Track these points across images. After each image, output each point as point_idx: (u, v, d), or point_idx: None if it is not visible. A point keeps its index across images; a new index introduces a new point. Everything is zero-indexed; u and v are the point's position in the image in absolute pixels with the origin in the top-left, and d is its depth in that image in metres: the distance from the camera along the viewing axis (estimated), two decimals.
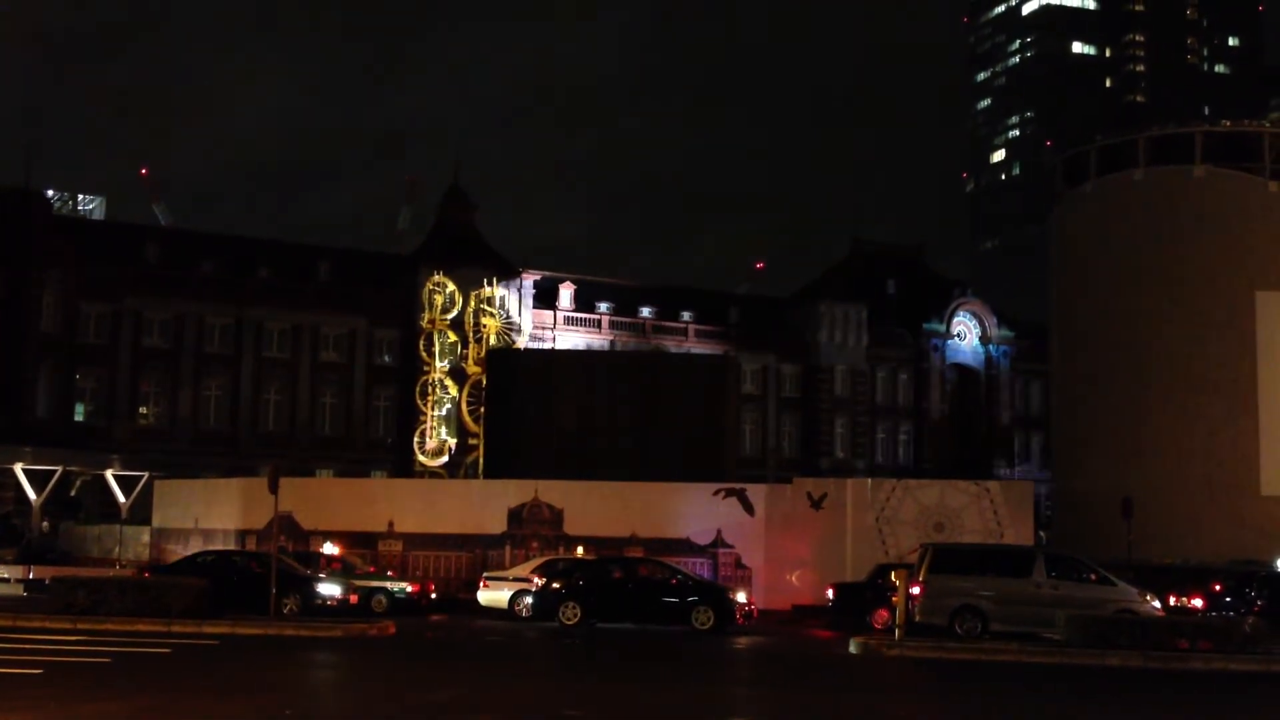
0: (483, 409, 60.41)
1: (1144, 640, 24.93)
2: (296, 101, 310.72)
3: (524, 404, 45.66)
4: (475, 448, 70.81)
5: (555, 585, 31.31)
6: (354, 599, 30.83)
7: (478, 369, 71.94)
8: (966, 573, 28.56)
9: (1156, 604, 28.63)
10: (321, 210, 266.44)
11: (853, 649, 25.93)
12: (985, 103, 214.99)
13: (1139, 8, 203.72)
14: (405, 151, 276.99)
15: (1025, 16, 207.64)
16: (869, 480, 41.06)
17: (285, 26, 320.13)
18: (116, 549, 46.65)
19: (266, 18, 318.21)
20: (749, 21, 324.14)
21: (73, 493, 60.38)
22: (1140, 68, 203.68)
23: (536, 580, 32.37)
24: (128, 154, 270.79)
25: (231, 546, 37.10)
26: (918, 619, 27.91)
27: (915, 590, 27.97)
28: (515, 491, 38.12)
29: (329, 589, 30.48)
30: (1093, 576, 28.58)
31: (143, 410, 70.19)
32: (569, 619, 30.34)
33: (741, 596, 31.57)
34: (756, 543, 37.16)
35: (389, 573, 35.47)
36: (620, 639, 28.19)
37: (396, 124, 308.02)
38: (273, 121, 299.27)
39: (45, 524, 52.21)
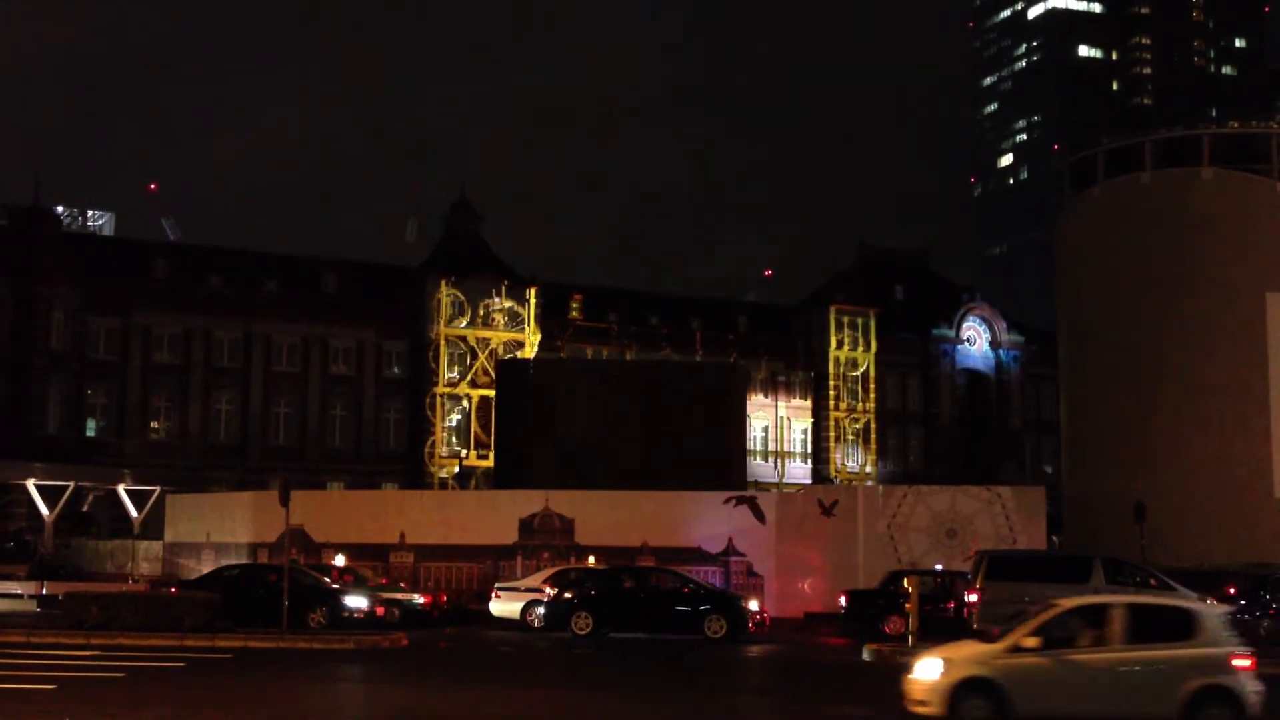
0: (493, 419, 60.46)
1: None
2: (317, 121, 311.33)
3: (533, 414, 45.64)
4: (485, 458, 70.99)
5: (567, 595, 31.28)
6: (380, 611, 30.75)
7: (487, 379, 72.16)
8: (1024, 579, 28.30)
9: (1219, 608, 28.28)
10: (341, 228, 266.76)
11: (866, 657, 25.89)
12: (992, 107, 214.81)
13: (1144, 11, 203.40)
14: (427, 168, 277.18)
15: (1031, 21, 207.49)
16: (880, 487, 41.04)
17: (306, 47, 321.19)
18: (129, 564, 46.72)
19: (285, 38, 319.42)
20: (752, 30, 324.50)
21: (85, 508, 60.44)
22: (1146, 70, 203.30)
23: (548, 590, 32.33)
24: (139, 172, 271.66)
25: (244, 560, 37.16)
26: (975, 626, 27.81)
27: (972, 597, 27.84)
28: (526, 501, 38.11)
29: (356, 601, 30.47)
30: (1152, 581, 28.31)
31: (153, 425, 70.34)
32: (581, 629, 30.31)
33: (754, 605, 31.52)
34: (768, 550, 37.10)
35: (401, 584, 35.47)
36: (633, 648, 28.17)
37: (418, 141, 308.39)
38: (292, 140, 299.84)
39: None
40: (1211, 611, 16.82)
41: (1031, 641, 16.29)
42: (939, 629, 28.62)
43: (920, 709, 16.22)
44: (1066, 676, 16.01)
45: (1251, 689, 15.81)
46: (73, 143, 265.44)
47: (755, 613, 31.08)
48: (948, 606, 30.72)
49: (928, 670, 16.35)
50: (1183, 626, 16.26)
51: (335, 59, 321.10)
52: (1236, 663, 15.86)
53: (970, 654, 16.76)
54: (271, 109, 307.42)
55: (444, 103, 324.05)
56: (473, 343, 75.22)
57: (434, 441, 73.93)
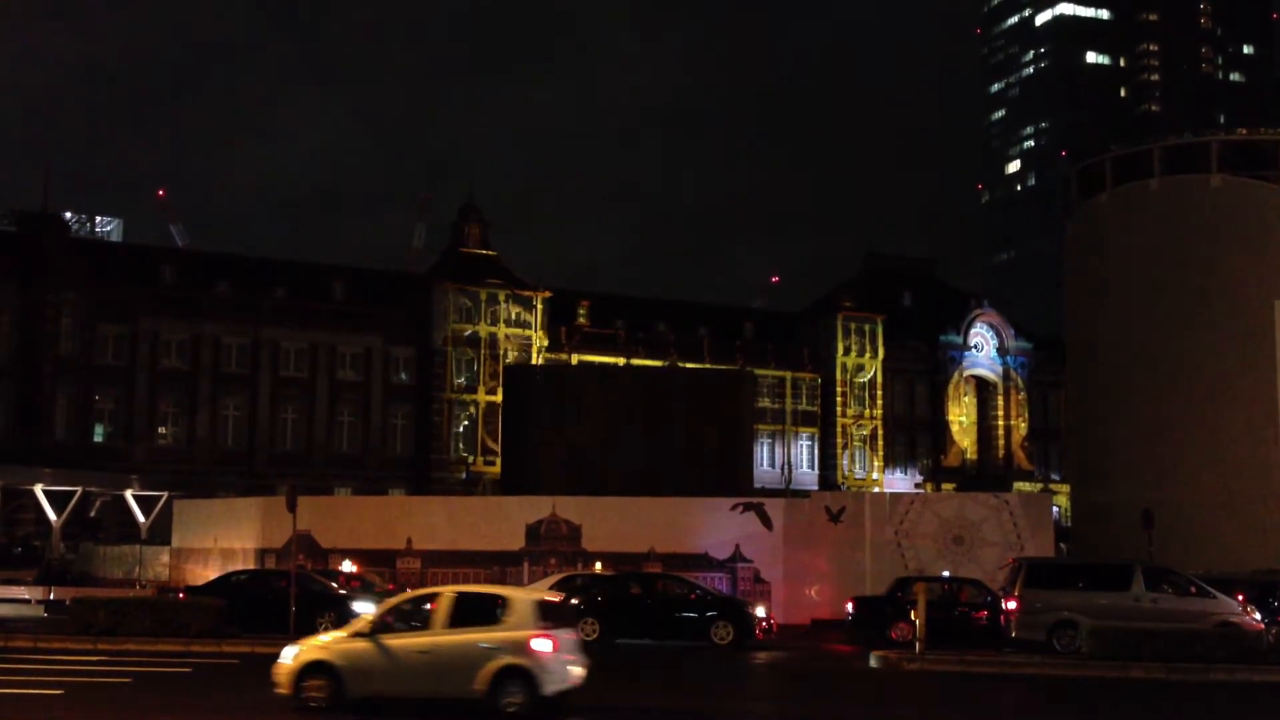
0: (499, 425, 60.47)
1: (1166, 651, 24.75)
2: (331, 131, 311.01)
3: (541, 420, 45.66)
4: (492, 464, 71.06)
5: (573, 602, 31.20)
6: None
7: (494, 385, 72.24)
8: (1063, 587, 28.16)
9: (1258, 616, 28.14)
10: (358, 237, 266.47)
11: (873, 663, 25.83)
12: (999, 114, 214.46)
13: (1152, 17, 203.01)
14: (441, 178, 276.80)
15: (1038, 27, 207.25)
16: (887, 493, 40.92)
17: (319, 58, 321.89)
18: (136, 569, 46.75)
19: (299, 49, 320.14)
20: (759, 36, 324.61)
21: (92, 513, 60.54)
22: (1154, 77, 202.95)
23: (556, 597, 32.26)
24: (151, 181, 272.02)
25: (251, 566, 37.16)
26: (1014, 635, 27.69)
27: (1011, 605, 27.76)
28: (533, 508, 38.06)
29: (364, 607, 30.42)
30: (1192, 589, 28.11)
31: (161, 430, 70.47)
32: (587, 635, 30.24)
33: (761, 611, 31.42)
34: (775, 557, 37.02)
35: (408, 590, 35.43)
36: (639, 655, 28.13)
37: (431, 150, 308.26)
38: (306, 150, 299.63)
39: (63, 547, 52.32)
40: (525, 598, 17.87)
41: (364, 628, 17.75)
42: (950, 636, 28.56)
43: (277, 690, 17.68)
44: (388, 660, 17.31)
45: (551, 668, 17.00)
46: (86, 151, 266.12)
47: (762, 619, 30.99)
48: (980, 615, 30.59)
49: (286, 655, 17.81)
50: (495, 612, 17.50)
51: (349, 69, 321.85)
52: (534, 645, 16.95)
53: (321, 640, 18.24)
54: (286, 119, 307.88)
55: (456, 112, 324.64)
56: (480, 348, 75.30)
57: (441, 447, 74.06)
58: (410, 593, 19.52)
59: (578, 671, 17.67)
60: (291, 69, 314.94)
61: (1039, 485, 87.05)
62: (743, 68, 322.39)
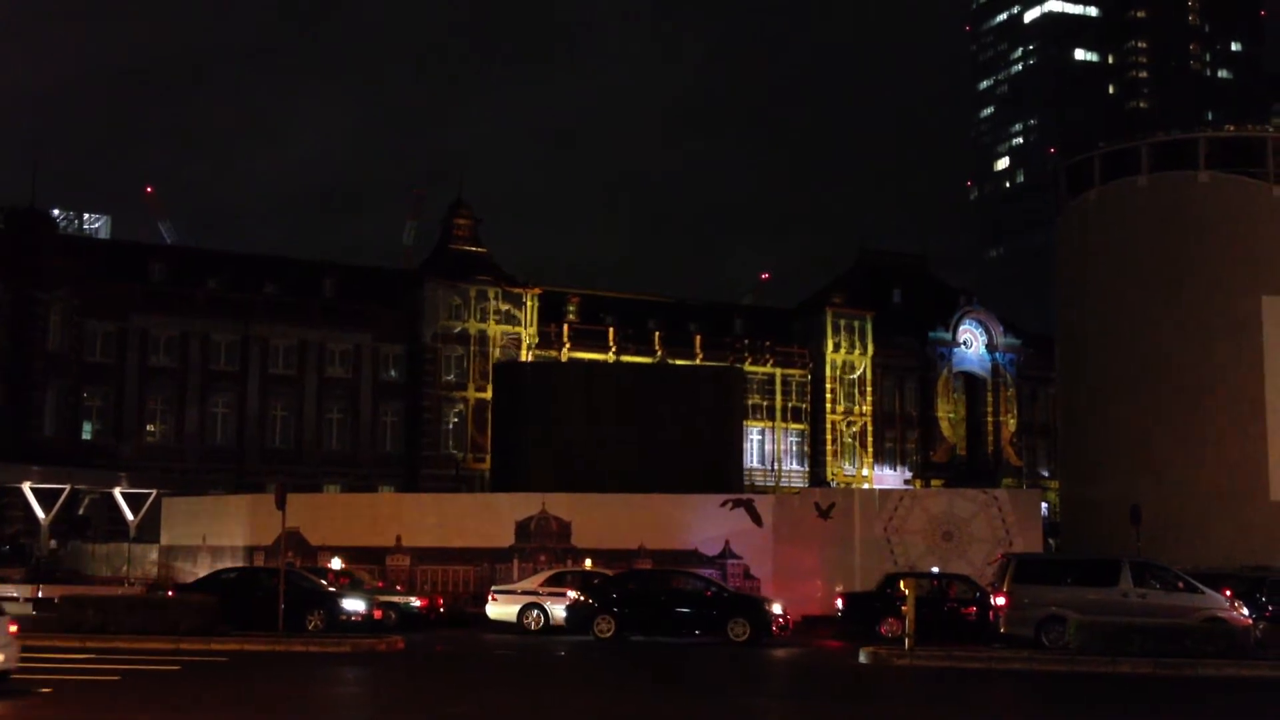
0: (489, 422, 60.43)
1: (1154, 646, 24.83)
2: (329, 129, 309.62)
3: (530, 417, 45.62)
4: (482, 461, 71.01)
5: (587, 598, 31.19)
6: (378, 614, 30.68)
7: (484, 382, 72.23)
8: (1051, 582, 28.24)
9: (1245, 611, 28.19)
10: (361, 235, 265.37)
11: (862, 659, 25.90)
12: (988, 111, 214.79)
13: (1140, 14, 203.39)
14: (447, 177, 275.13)
15: (1027, 24, 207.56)
16: (877, 489, 40.96)
17: (321, 56, 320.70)
18: (125, 567, 46.64)
19: (302, 48, 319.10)
20: (750, 35, 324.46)
21: (81, 511, 60.37)
22: (1143, 74, 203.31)
23: (570, 594, 32.12)
24: (147, 179, 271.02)
25: (240, 563, 37.13)
26: (1003, 630, 27.75)
27: (1000, 601, 27.82)
28: (522, 504, 38.07)
29: (354, 604, 30.40)
30: (1180, 585, 28.19)
31: (150, 428, 70.30)
32: (603, 632, 30.27)
33: (777, 608, 31.28)
34: (765, 553, 37.08)
35: (397, 587, 35.45)
36: (653, 651, 28.12)
37: (440, 151, 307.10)
38: (306, 149, 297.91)
39: (53, 543, 52.20)
40: None
41: None
42: (939, 632, 28.61)
43: None
44: None
45: None
46: (77, 150, 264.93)
47: (779, 615, 30.91)
48: (969, 611, 30.64)
49: None
50: None
51: (350, 68, 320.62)
52: None
53: None
54: (287, 118, 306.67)
55: (455, 110, 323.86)
56: (470, 345, 75.23)
57: (431, 445, 73.98)
58: None
59: None
60: (292, 67, 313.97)
61: (1028, 481, 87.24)
62: (737, 68, 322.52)
